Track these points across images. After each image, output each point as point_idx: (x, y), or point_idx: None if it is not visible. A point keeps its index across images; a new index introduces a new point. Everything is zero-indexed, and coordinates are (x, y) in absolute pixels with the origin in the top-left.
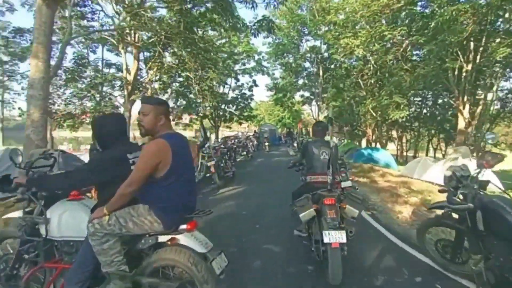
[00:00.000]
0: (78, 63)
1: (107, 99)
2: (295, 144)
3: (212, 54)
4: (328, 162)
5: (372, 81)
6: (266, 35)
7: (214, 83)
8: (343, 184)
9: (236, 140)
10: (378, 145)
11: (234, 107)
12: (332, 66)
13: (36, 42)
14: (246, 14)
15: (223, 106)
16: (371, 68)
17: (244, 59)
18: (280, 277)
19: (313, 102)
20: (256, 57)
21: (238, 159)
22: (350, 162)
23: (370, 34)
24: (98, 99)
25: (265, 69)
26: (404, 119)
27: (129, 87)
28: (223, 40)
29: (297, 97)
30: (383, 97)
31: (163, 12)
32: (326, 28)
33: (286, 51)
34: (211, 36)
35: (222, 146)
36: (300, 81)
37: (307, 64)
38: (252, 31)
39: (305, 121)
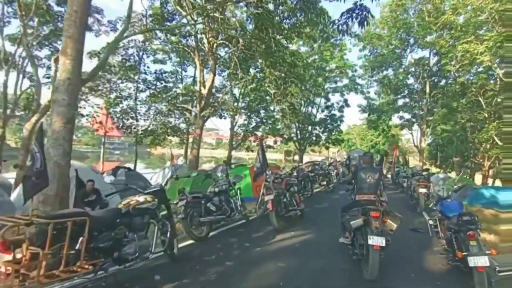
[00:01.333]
0: (158, 77)
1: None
2: (389, 175)
3: (300, 69)
4: (375, 184)
5: (499, 100)
6: (356, 33)
7: (298, 100)
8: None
9: (317, 167)
10: (498, 183)
11: (322, 129)
12: (443, 82)
13: (65, 35)
14: None
15: (309, 128)
16: (498, 82)
17: (336, 76)
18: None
19: (414, 126)
20: (350, 74)
21: (316, 190)
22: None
23: (501, 36)
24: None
25: (358, 87)
26: None
27: (202, 102)
28: (316, 56)
29: (395, 119)
30: None
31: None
32: (438, 34)
33: (385, 63)
34: (302, 53)
35: (293, 174)
36: (400, 101)
37: (410, 80)
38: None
39: (403, 148)
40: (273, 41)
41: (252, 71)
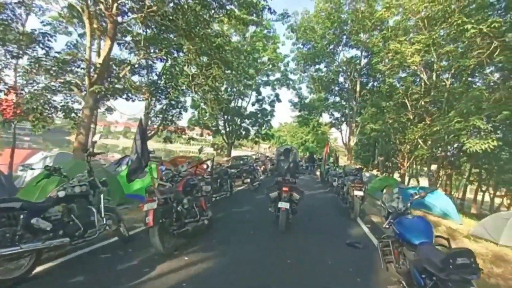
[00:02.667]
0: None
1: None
2: (318, 173)
3: (227, 53)
4: (287, 168)
5: (423, 103)
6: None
7: (222, 86)
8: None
9: (241, 162)
10: (414, 182)
11: (252, 123)
12: (371, 82)
13: None
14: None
15: (238, 121)
16: (422, 86)
17: (268, 70)
18: None
19: (343, 126)
20: (282, 68)
21: (239, 188)
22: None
23: (431, 38)
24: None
25: (290, 82)
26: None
27: (94, 75)
28: (247, 47)
29: (325, 118)
30: (452, 119)
31: None
32: (369, 35)
33: (317, 58)
34: (233, 42)
35: (206, 171)
36: (331, 99)
37: (340, 79)
38: None
39: (331, 147)
40: (191, 12)
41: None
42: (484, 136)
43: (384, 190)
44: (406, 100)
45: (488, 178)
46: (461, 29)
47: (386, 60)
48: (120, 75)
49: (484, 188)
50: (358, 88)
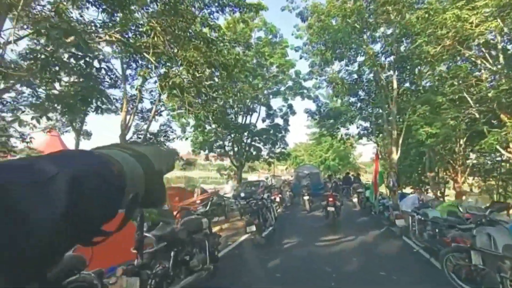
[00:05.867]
0: None
1: None
2: (355, 200)
3: (223, 53)
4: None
5: (489, 95)
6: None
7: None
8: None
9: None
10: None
11: (262, 142)
12: (408, 76)
13: None
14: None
15: (247, 140)
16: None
17: (277, 79)
18: None
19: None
20: (293, 75)
21: (233, 242)
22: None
23: None
24: None
25: (305, 91)
26: None
27: None
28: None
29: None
30: None
31: None
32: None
33: (340, 48)
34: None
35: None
36: (356, 105)
37: (368, 76)
38: None
39: (355, 165)
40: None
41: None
42: None
43: None
44: (465, 93)
45: None
46: None
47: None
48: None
49: None
50: (395, 85)
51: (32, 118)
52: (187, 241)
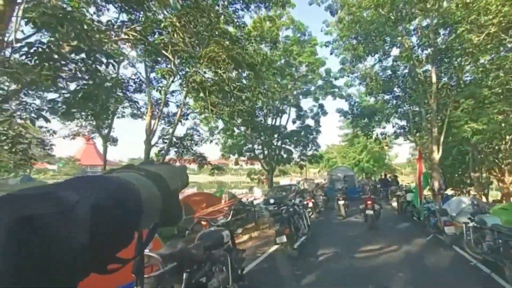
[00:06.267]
0: None
1: None
2: (394, 204)
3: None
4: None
5: None
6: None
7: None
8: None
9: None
10: None
11: (293, 144)
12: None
13: None
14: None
15: (277, 142)
16: None
17: (307, 76)
18: None
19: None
20: (323, 73)
21: (260, 255)
22: None
23: None
24: None
25: (336, 90)
26: None
27: None
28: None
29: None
30: None
31: None
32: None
33: (373, 42)
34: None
35: None
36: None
37: (402, 71)
38: None
39: (391, 166)
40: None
41: None
42: None
43: None
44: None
45: None
46: None
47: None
48: None
49: None
50: (434, 79)
51: (46, 121)
52: (204, 258)
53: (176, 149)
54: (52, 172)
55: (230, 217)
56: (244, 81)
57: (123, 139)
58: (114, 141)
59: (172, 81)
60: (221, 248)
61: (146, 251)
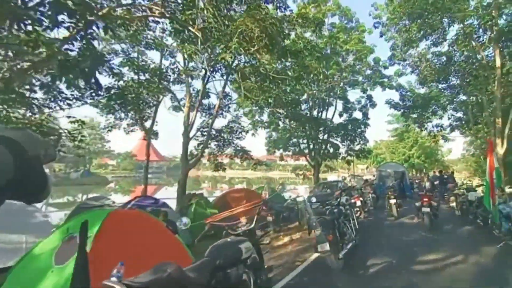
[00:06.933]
0: None
1: None
2: (453, 204)
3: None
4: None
5: None
6: None
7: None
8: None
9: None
10: None
11: (340, 138)
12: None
13: None
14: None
15: (323, 136)
16: None
17: (354, 66)
18: None
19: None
20: (372, 62)
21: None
22: None
23: None
24: None
25: (385, 80)
26: None
27: None
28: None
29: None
30: None
31: None
32: None
33: (432, 13)
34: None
35: None
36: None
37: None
38: None
39: (444, 162)
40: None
41: None
42: None
43: None
44: None
45: None
46: None
47: None
48: None
49: None
50: (498, 63)
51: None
52: (211, 284)
53: (216, 143)
54: (111, 167)
55: (253, 223)
56: (289, 73)
57: (164, 132)
58: (155, 134)
59: (204, 67)
60: (237, 267)
61: (112, 280)
